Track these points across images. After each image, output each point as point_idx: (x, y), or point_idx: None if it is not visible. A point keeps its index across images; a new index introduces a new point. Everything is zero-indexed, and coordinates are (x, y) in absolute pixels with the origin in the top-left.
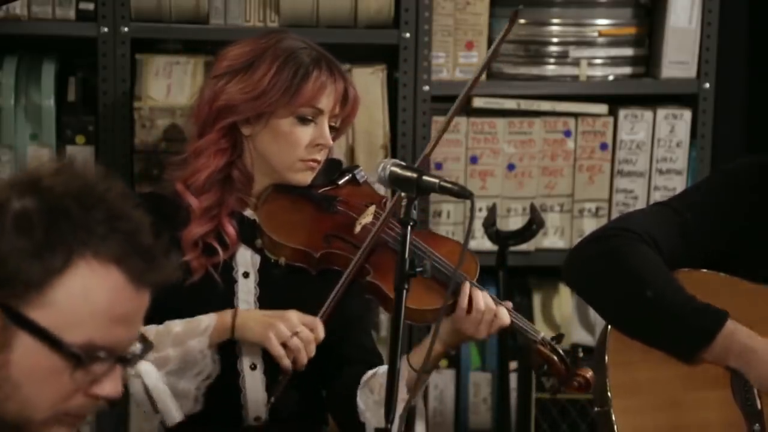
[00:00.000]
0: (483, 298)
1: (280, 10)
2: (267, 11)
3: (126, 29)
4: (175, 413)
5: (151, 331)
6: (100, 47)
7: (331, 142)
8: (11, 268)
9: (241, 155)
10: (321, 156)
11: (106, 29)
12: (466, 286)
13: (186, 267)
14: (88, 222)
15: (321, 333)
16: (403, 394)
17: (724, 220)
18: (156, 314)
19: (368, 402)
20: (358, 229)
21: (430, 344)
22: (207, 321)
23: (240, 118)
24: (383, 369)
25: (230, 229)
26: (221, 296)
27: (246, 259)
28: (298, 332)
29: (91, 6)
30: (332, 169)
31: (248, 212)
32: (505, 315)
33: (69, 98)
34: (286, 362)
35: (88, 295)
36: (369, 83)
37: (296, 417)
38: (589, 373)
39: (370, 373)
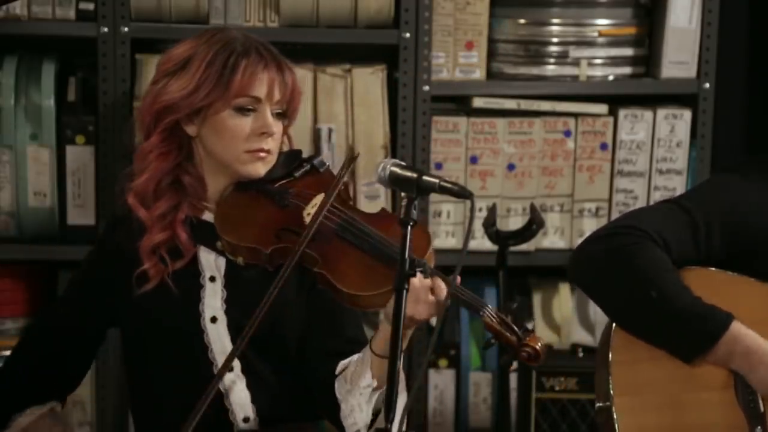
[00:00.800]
0: (419, 279)
1: (280, 10)
2: (267, 11)
3: (126, 29)
4: None
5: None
6: (100, 47)
7: (274, 129)
8: None
9: (190, 159)
10: (268, 145)
11: (106, 29)
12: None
13: (145, 275)
14: None
15: None
16: (368, 380)
17: (731, 219)
18: (120, 323)
19: (342, 391)
20: (307, 219)
21: (435, 331)
22: None
23: (179, 115)
24: (356, 357)
25: (183, 235)
26: (186, 302)
27: (210, 263)
28: None
29: (91, 6)
30: (292, 160)
31: (207, 216)
32: (441, 292)
33: (69, 98)
34: None
35: None
36: (369, 83)
37: (288, 418)
38: (539, 344)
39: (343, 363)
